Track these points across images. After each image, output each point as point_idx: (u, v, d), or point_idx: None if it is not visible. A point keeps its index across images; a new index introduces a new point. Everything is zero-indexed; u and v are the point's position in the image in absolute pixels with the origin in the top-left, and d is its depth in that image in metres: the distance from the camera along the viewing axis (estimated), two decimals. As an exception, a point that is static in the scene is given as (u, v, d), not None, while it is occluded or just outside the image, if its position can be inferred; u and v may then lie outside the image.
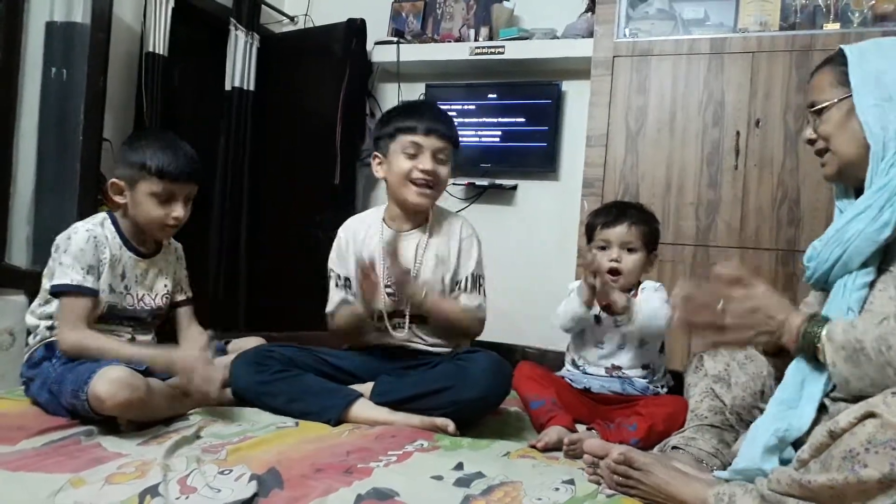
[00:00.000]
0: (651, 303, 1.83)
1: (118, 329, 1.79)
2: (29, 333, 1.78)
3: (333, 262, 1.99)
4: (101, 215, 1.81)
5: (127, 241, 1.80)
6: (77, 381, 1.53)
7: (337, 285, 1.97)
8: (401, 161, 1.87)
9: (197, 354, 1.65)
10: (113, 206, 1.83)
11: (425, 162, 1.85)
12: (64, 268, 1.68)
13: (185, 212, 1.80)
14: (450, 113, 3.30)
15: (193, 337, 1.81)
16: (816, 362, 1.21)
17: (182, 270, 1.98)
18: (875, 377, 1.10)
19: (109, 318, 1.76)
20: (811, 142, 1.38)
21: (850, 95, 1.29)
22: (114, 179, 1.77)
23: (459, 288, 1.90)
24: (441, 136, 1.87)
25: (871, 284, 1.24)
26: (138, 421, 1.56)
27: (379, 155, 1.93)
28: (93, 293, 1.70)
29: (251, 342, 1.99)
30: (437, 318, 1.86)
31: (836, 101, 1.31)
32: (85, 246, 1.70)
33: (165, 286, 1.89)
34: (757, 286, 1.25)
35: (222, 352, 1.95)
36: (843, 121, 1.31)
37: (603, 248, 1.92)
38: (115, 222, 1.80)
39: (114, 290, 1.76)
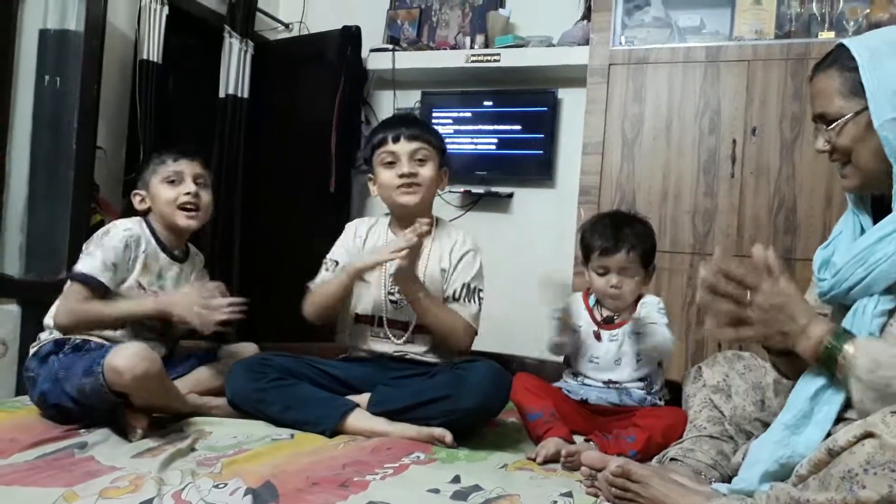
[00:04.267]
0: (659, 333, 1.81)
1: (145, 337, 1.78)
2: (42, 330, 1.79)
3: (335, 251, 2.00)
4: (138, 218, 1.89)
5: (161, 242, 1.87)
6: (91, 361, 1.55)
7: (327, 270, 1.96)
8: (383, 173, 1.91)
9: (186, 290, 1.78)
10: (110, 214, 1.85)
11: (402, 167, 1.88)
12: (87, 256, 1.75)
13: (203, 193, 1.90)
14: (445, 121, 3.36)
15: None
16: (833, 380, 1.18)
17: (198, 280, 1.98)
18: None
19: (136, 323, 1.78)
20: (825, 152, 1.27)
21: (867, 108, 1.18)
22: (134, 192, 1.91)
23: (454, 297, 1.88)
24: (411, 138, 1.89)
25: (892, 311, 1.18)
26: (149, 407, 1.58)
27: (371, 175, 1.98)
28: (101, 287, 1.73)
29: (244, 348, 1.98)
30: (427, 315, 1.82)
31: (851, 115, 1.20)
32: (117, 244, 1.76)
33: None
34: (788, 283, 1.18)
35: (214, 359, 1.94)
36: (862, 135, 1.20)
37: (602, 275, 1.90)
38: (149, 224, 1.88)
39: (144, 287, 1.81)
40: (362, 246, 1.98)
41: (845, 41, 1.24)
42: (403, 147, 1.88)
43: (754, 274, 1.18)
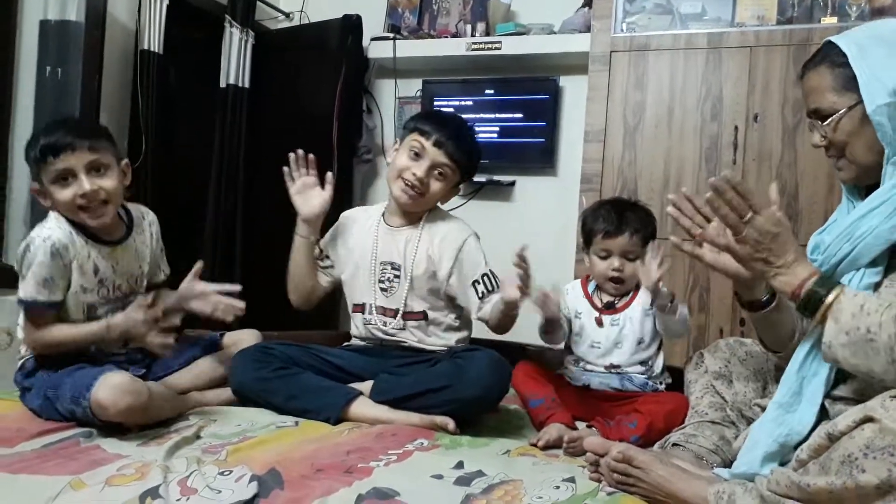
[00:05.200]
0: (683, 307, 1.84)
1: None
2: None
3: (324, 241, 2.02)
4: (54, 215, 1.68)
5: (88, 233, 1.69)
6: (76, 388, 1.52)
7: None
8: (403, 157, 1.91)
9: (135, 308, 1.69)
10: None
11: (420, 168, 1.87)
12: (23, 281, 1.64)
13: (104, 182, 1.64)
14: (447, 109, 3.35)
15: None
16: (816, 348, 1.20)
17: (158, 245, 1.88)
18: (875, 370, 1.09)
19: (93, 316, 1.72)
20: (822, 146, 1.30)
21: (860, 102, 1.20)
22: (32, 187, 1.69)
23: (486, 290, 1.88)
24: (447, 152, 1.87)
25: (877, 284, 1.20)
26: (142, 424, 1.55)
27: (398, 141, 1.99)
28: (48, 306, 1.64)
29: (246, 335, 1.97)
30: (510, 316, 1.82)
31: (845, 110, 1.23)
32: (43, 258, 1.61)
33: (141, 267, 1.81)
34: (786, 218, 1.22)
35: (217, 346, 1.93)
36: (856, 129, 1.23)
37: (604, 258, 1.91)
38: (69, 220, 1.68)
39: (87, 289, 1.69)
40: (354, 232, 2.00)
41: (833, 38, 1.26)
42: (435, 154, 1.86)
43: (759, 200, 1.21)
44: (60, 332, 1.67)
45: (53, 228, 1.65)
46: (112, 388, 1.48)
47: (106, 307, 1.74)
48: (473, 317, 1.93)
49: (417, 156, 1.88)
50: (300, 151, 1.85)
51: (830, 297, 1.15)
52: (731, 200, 1.20)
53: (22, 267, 1.64)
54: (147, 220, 1.85)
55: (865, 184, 1.29)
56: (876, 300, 1.13)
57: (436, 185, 1.90)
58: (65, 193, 1.62)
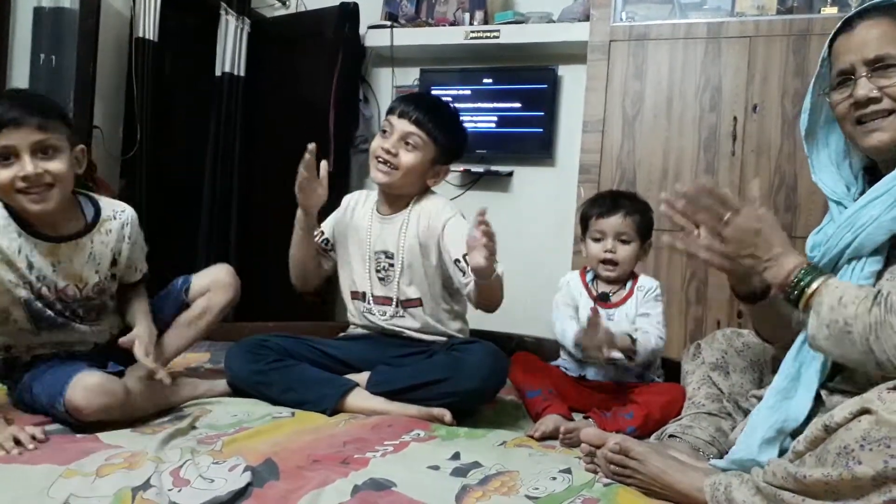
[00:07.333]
0: (649, 343, 1.79)
1: (66, 329, 1.61)
2: None
3: (325, 222, 2.02)
4: None
5: (27, 225, 1.52)
6: (50, 393, 1.48)
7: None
8: (377, 138, 1.91)
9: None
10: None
11: (388, 142, 1.85)
12: None
13: (51, 164, 1.47)
14: (444, 98, 3.32)
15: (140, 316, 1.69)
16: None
17: (131, 248, 1.69)
18: (855, 359, 1.10)
19: (39, 323, 1.58)
20: (871, 101, 1.21)
21: None
22: None
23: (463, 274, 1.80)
24: (413, 120, 1.84)
25: (879, 273, 1.19)
26: (121, 421, 1.52)
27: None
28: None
29: (215, 272, 1.86)
30: (486, 293, 1.74)
31: None
32: None
33: (97, 272, 1.62)
34: (768, 212, 1.21)
35: (186, 291, 1.81)
36: None
37: (598, 240, 1.92)
38: (7, 207, 1.52)
39: (16, 284, 1.53)
40: (350, 218, 1.99)
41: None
42: (401, 125, 1.85)
43: (737, 198, 1.21)
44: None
45: None
46: (85, 389, 1.45)
47: (52, 313, 1.58)
48: (464, 292, 1.84)
49: (385, 132, 1.88)
50: (312, 146, 1.82)
51: (813, 287, 1.14)
52: (708, 206, 1.20)
53: None
54: (120, 220, 1.66)
55: (888, 157, 1.24)
56: (855, 290, 1.12)
57: (407, 157, 1.84)
58: (3, 174, 1.45)
